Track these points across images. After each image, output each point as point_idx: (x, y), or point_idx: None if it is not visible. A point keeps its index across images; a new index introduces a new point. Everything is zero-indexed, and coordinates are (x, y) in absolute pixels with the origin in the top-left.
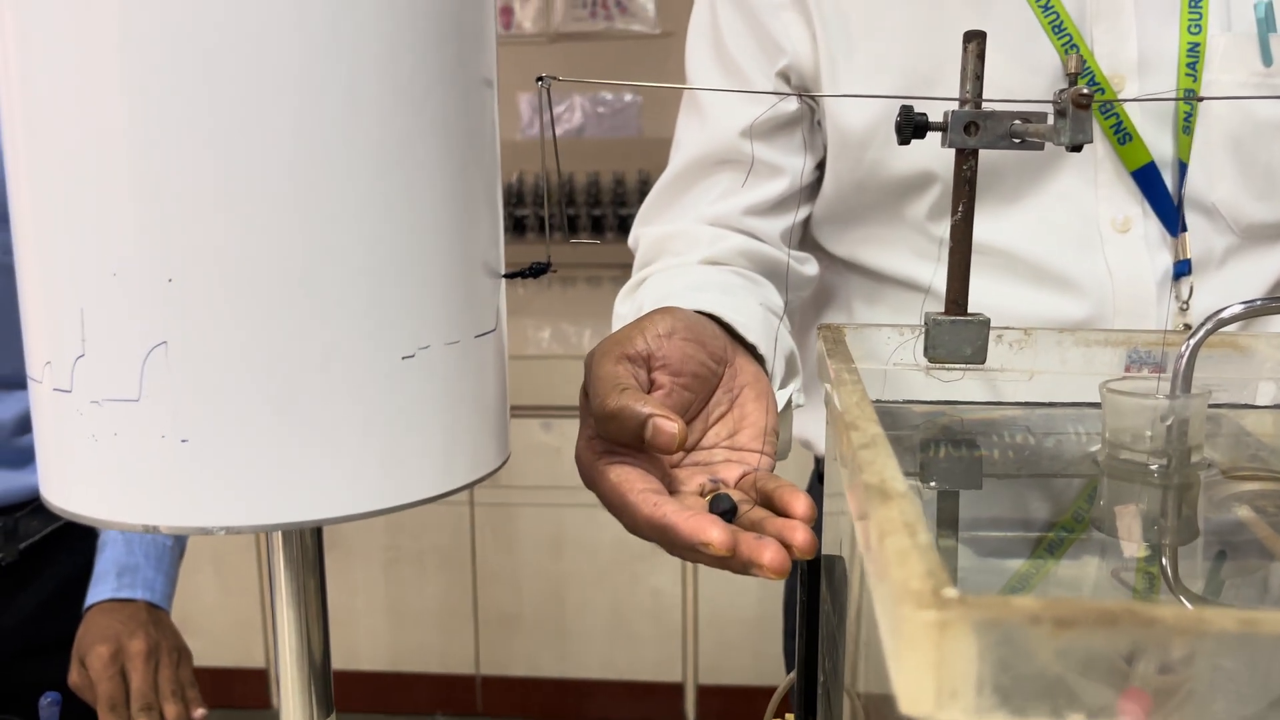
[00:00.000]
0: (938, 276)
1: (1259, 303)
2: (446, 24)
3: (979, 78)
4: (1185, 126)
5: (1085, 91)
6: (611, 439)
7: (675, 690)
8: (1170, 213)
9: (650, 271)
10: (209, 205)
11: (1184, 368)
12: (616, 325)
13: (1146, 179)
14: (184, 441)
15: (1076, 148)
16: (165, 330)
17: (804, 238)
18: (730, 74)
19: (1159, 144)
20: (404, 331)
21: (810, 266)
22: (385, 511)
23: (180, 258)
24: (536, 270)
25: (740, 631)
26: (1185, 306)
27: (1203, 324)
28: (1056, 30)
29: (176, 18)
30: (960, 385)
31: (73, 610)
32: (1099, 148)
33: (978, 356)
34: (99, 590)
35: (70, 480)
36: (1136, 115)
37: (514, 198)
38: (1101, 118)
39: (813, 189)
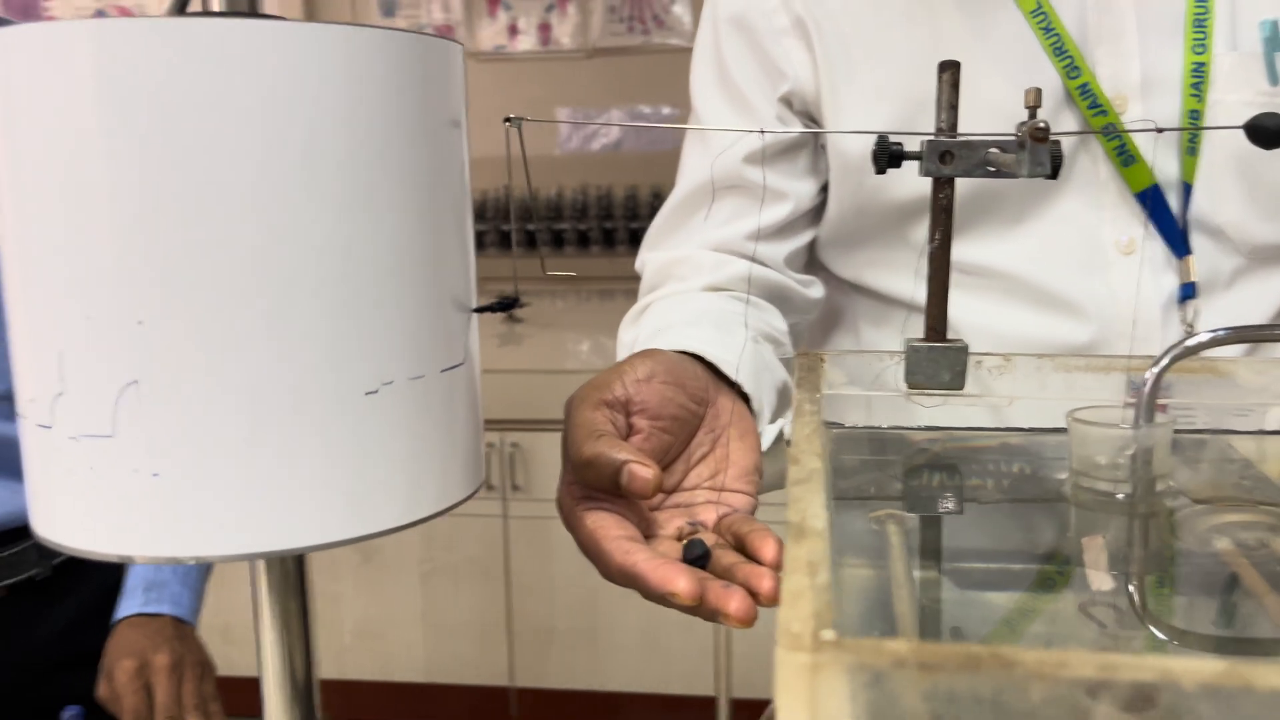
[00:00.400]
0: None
1: (1223, 332)
2: (406, 73)
3: (953, 107)
4: (1190, 147)
5: (1041, 125)
6: (589, 485)
7: (708, 704)
8: (1175, 235)
9: (654, 298)
10: (175, 252)
11: (1147, 397)
12: (620, 352)
13: (1151, 201)
14: (155, 475)
15: (1052, 175)
16: (136, 370)
17: (810, 260)
18: (733, 99)
19: (1164, 165)
20: (367, 368)
21: (815, 289)
22: (350, 541)
23: (148, 301)
24: (506, 304)
25: (773, 646)
26: (1191, 329)
27: (1166, 352)
28: (1058, 52)
29: (150, 88)
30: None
31: (104, 624)
32: (1102, 169)
33: (956, 382)
34: (127, 605)
35: (54, 512)
36: (1140, 136)
37: (552, 211)
38: (1105, 140)
39: (818, 212)
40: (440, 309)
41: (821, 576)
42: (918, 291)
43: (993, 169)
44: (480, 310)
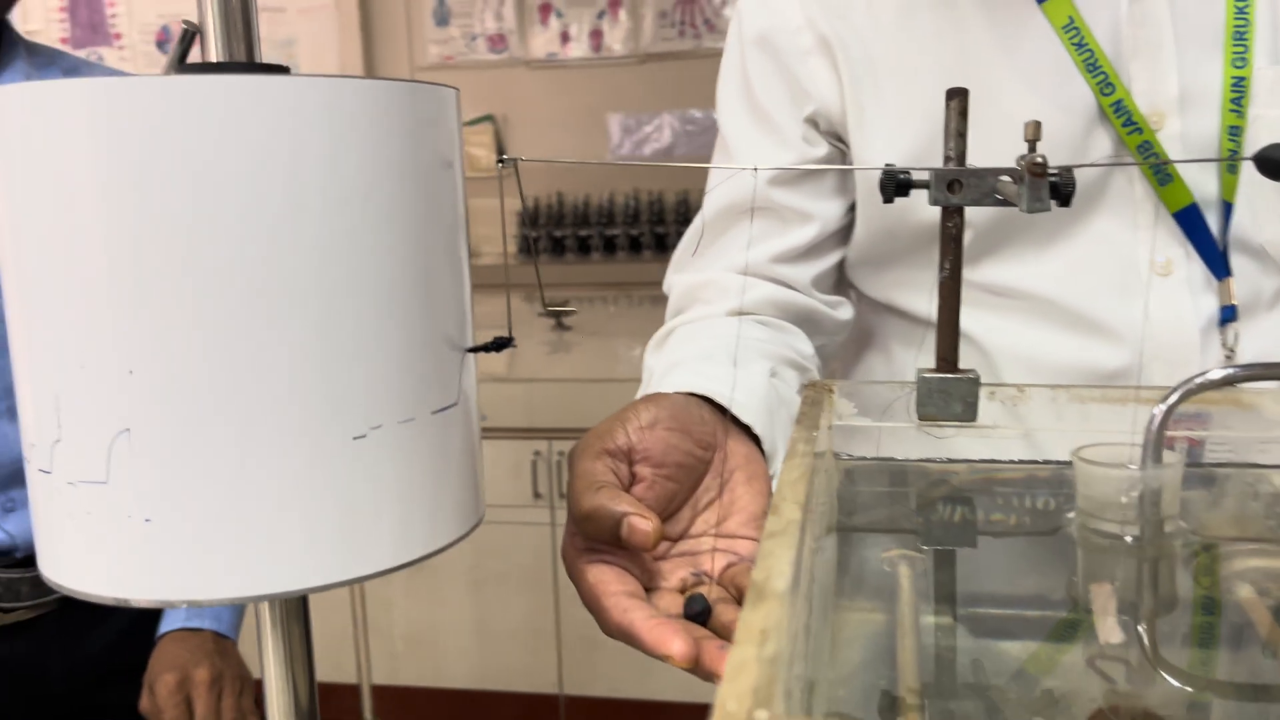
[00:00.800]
0: (974, 323)
1: (1236, 370)
2: (391, 122)
3: (962, 135)
4: (1230, 165)
5: (1039, 160)
6: (589, 538)
7: None
8: (1215, 255)
9: (678, 323)
10: (163, 303)
11: (1155, 435)
12: (645, 377)
13: (1189, 220)
14: (147, 521)
15: (1064, 203)
16: (128, 418)
17: (839, 280)
18: (759, 120)
19: (1202, 184)
20: (354, 413)
21: (844, 310)
22: (338, 585)
23: (139, 351)
24: (498, 345)
25: None
26: (1231, 354)
27: (1176, 388)
28: (1091, 68)
29: (136, 144)
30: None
31: (149, 638)
32: (1137, 188)
33: (968, 414)
34: (170, 620)
35: (56, 554)
36: (1177, 155)
37: (605, 218)
38: (1140, 158)
39: (846, 232)
40: (431, 351)
41: (771, 647)
42: None
43: (1000, 198)
44: (473, 350)
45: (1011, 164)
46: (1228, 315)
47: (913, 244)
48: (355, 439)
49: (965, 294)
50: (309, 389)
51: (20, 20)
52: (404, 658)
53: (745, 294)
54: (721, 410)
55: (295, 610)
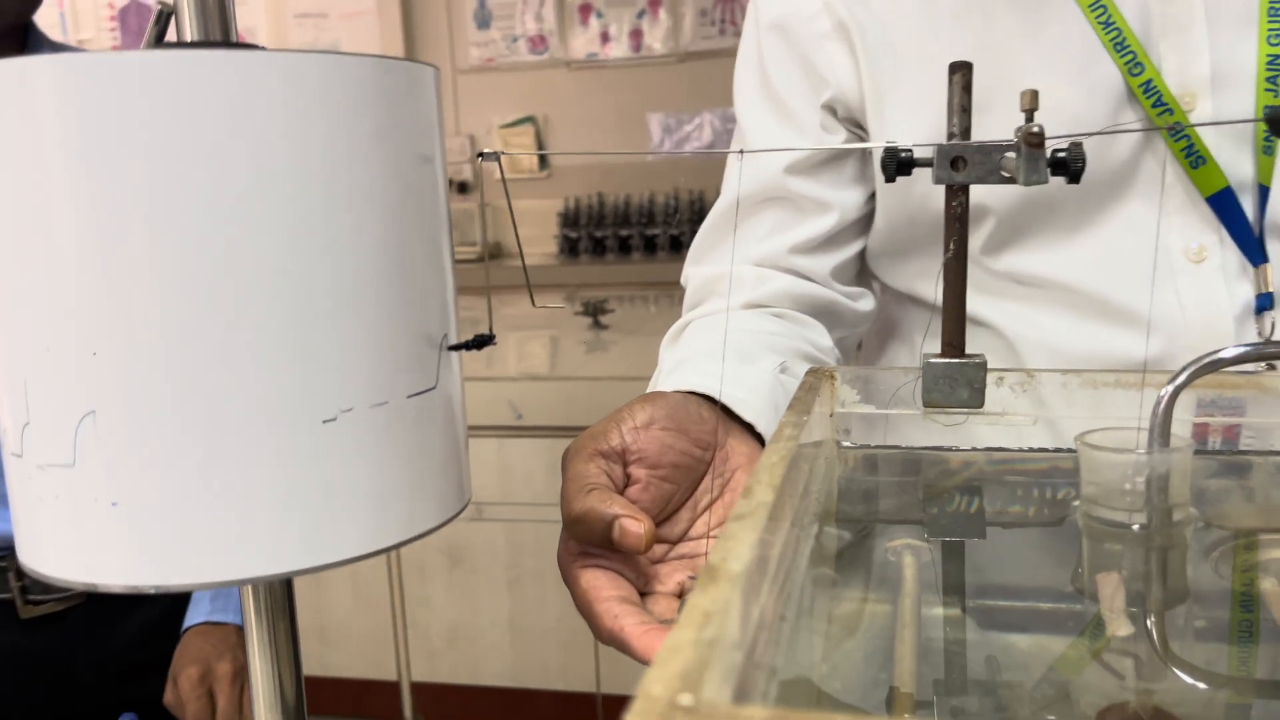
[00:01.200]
0: (998, 313)
1: (1248, 348)
2: (360, 99)
3: (965, 110)
4: (1266, 147)
5: (1035, 130)
6: (581, 542)
7: None
8: (1250, 241)
9: (693, 316)
10: (125, 282)
11: (1162, 418)
12: (659, 371)
13: (1223, 205)
14: (114, 505)
15: (1074, 178)
16: (93, 400)
17: (860, 271)
18: (775, 108)
19: (1236, 166)
20: (324, 396)
21: (865, 302)
22: (313, 570)
23: (101, 332)
24: (480, 342)
25: None
26: (1269, 343)
27: (1183, 369)
28: (1119, 48)
29: (95, 123)
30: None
31: (176, 631)
32: (1169, 172)
33: (975, 400)
34: (194, 613)
35: (32, 539)
36: (1210, 136)
37: (644, 217)
38: (1171, 140)
39: (867, 221)
40: (406, 335)
41: (712, 631)
42: (974, 303)
43: (1007, 175)
44: (455, 348)
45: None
46: (1264, 303)
47: (934, 232)
48: (325, 422)
49: (988, 283)
50: (276, 371)
51: (72, 29)
52: (442, 655)
53: (762, 286)
54: (726, 408)
55: (280, 604)
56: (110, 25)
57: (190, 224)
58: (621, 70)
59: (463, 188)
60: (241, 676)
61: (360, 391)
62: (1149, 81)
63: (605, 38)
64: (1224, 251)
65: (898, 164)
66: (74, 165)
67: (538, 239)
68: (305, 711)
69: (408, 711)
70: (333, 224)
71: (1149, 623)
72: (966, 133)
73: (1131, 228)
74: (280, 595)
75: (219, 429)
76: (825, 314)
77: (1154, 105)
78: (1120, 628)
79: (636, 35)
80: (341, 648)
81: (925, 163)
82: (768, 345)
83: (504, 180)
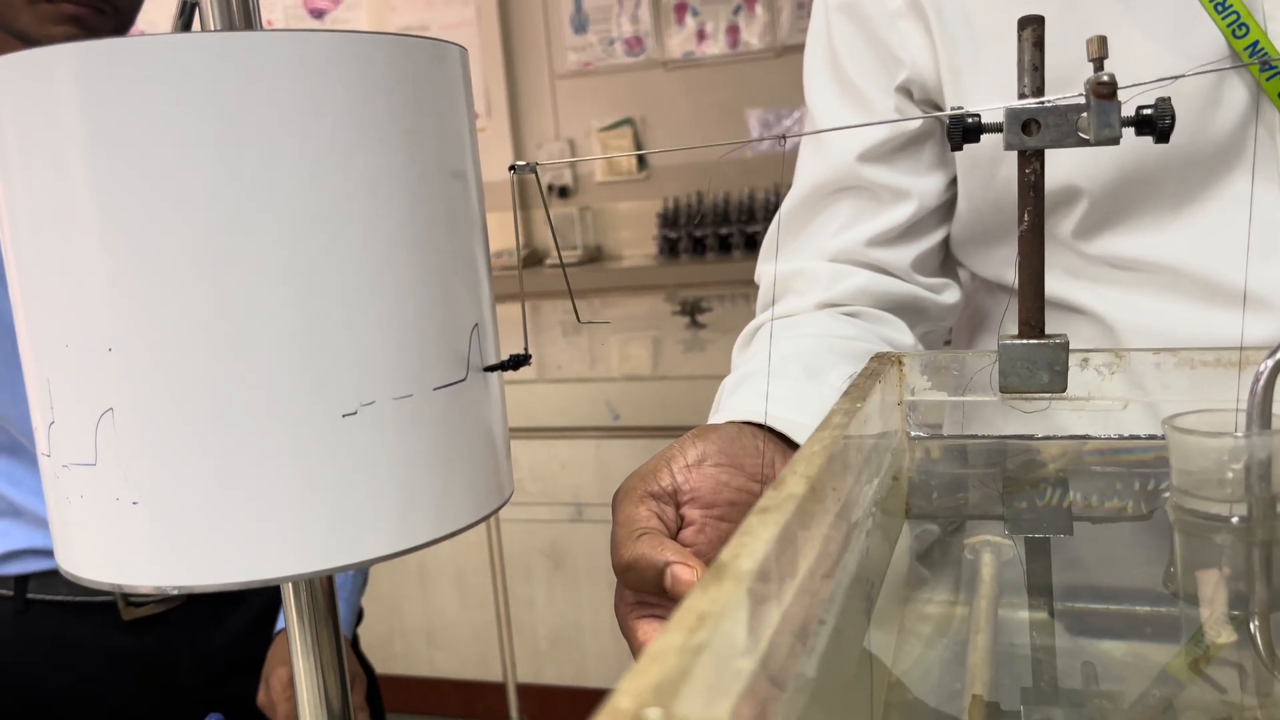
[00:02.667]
0: (1096, 298)
1: None
2: (378, 76)
3: (1037, 68)
4: None
5: (1104, 79)
6: (634, 590)
7: None
8: None
9: (766, 319)
10: (138, 276)
11: (1261, 397)
12: (722, 390)
13: None
14: (135, 503)
15: (1162, 136)
16: (111, 397)
17: (945, 260)
18: (846, 92)
19: None
20: (343, 389)
21: (950, 294)
22: (337, 570)
23: (117, 327)
24: (515, 362)
25: None
26: None
27: None
28: (1220, 8)
29: (103, 112)
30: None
31: (270, 632)
32: None
33: (1057, 384)
34: (284, 618)
35: (62, 541)
36: None
37: (745, 214)
38: None
39: (949, 207)
40: (431, 325)
41: (703, 635)
42: (1070, 289)
43: (1085, 138)
44: (490, 369)
45: None
46: None
47: None
48: (345, 416)
49: (1084, 269)
50: (292, 364)
51: None
52: (547, 657)
53: (837, 285)
54: (784, 437)
55: (321, 605)
56: None
57: (200, 212)
58: (719, 68)
59: (563, 192)
60: None
61: (382, 384)
62: (1255, 44)
63: (702, 35)
64: None
65: (964, 131)
66: (90, 156)
67: (638, 240)
68: (350, 715)
69: (514, 713)
70: (347, 208)
71: (1253, 628)
72: (1040, 92)
73: (1240, 203)
74: (322, 597)
75: (234, 425)
76: (907, 310)
77: (1263, 69)
78: (1221, 634)
79: (733, 31)
80: (448, 649)
81: (995, 128)
82: (841, 351)
83: (542, 191)
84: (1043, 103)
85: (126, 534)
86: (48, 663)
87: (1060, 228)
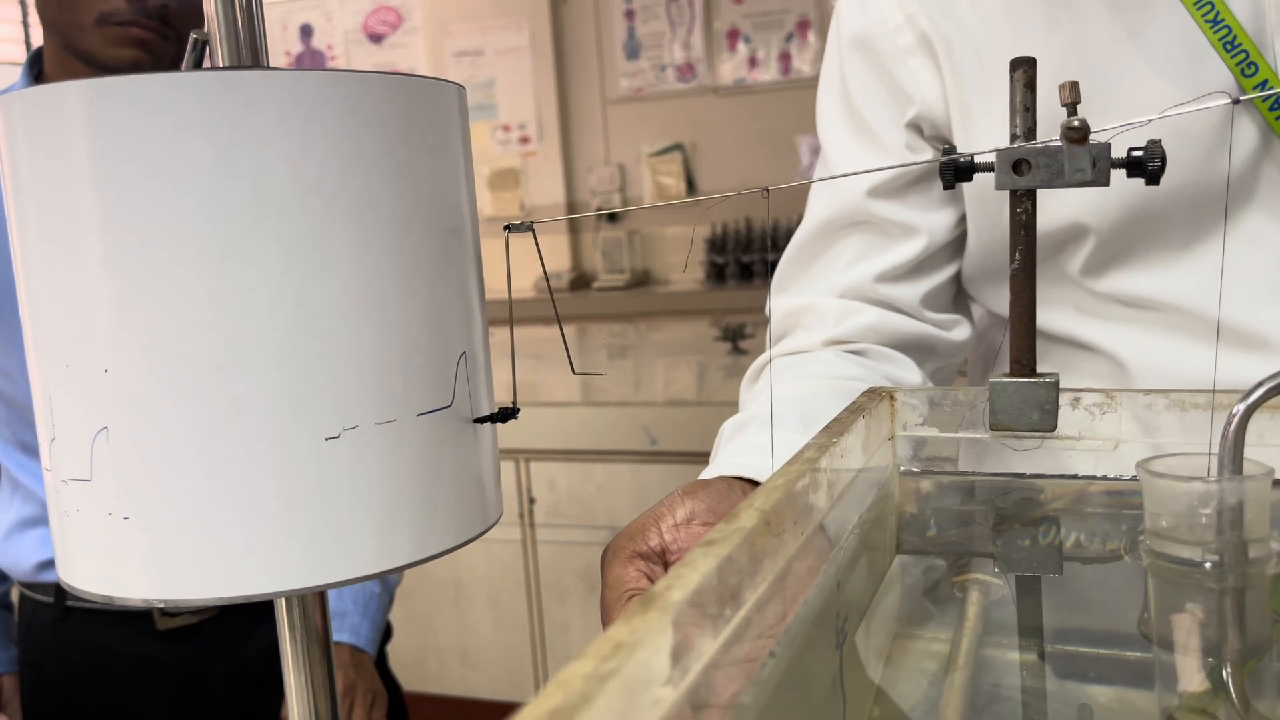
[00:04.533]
0: (1107, 336)
1: None
2: (368, 113)
3: (1029, 109)
4: None
5: (1075, 124)
6: None
7: None
8: None
9: (773, 354)
10: (133, 299)
11: (1233, 440)
12: (720, 436)
13: None
14: (126, 519)
15: (1151, 180)
16: (106, 416)
17: (957, 295)
18: (857, 128)
19: None
20: (326, 413)
21: (960, 331)
22: (318, 588)
23: (113, 349)
24: (504, 415)
25: None
26: None
27: (1259, 385)
28: (1229, 47)
29: (101, 145)
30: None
31: None
32: None
33: (1046, 423)
34: None
35: (63, 553)
36: None
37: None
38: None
39: (960, 243)
40: (416, 353)
41: (613, 664)
42: (1079, 326)
43: (1078, 178)
44: (479, 421)
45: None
46: None
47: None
48: (328, 439)
49: (1093, 306)
50: (277, 389)
51: None
52: None
53: (845, 322)
54: None
55: (315, 632)
56: (287, 61)
57: (192, 241)
58: (770, 94)
59: (612, 217)
60: (351, 694)
61: (365, 409)
62: (1265, 83)
63: (753, 62)
64: None
65: (955, 170)
66: (95, 186)
67: (687, 265)
68: None
69: None
70: (335, 240)
71: (1225, 675)
72: (1031, 133)
73: (1252, 242)
74: (313, 614)
75: (222, 445)
76: (916, 347)
77: (1271, 108)
78: (1193, 681)
79: (785, 59)
80: (482, 669)
81: (986, 167)
82: (843, 393)
83: (538, 246)
84: (1033, 144)
85: (118, 548)
86: (85, 669)
87: (1069, 265)
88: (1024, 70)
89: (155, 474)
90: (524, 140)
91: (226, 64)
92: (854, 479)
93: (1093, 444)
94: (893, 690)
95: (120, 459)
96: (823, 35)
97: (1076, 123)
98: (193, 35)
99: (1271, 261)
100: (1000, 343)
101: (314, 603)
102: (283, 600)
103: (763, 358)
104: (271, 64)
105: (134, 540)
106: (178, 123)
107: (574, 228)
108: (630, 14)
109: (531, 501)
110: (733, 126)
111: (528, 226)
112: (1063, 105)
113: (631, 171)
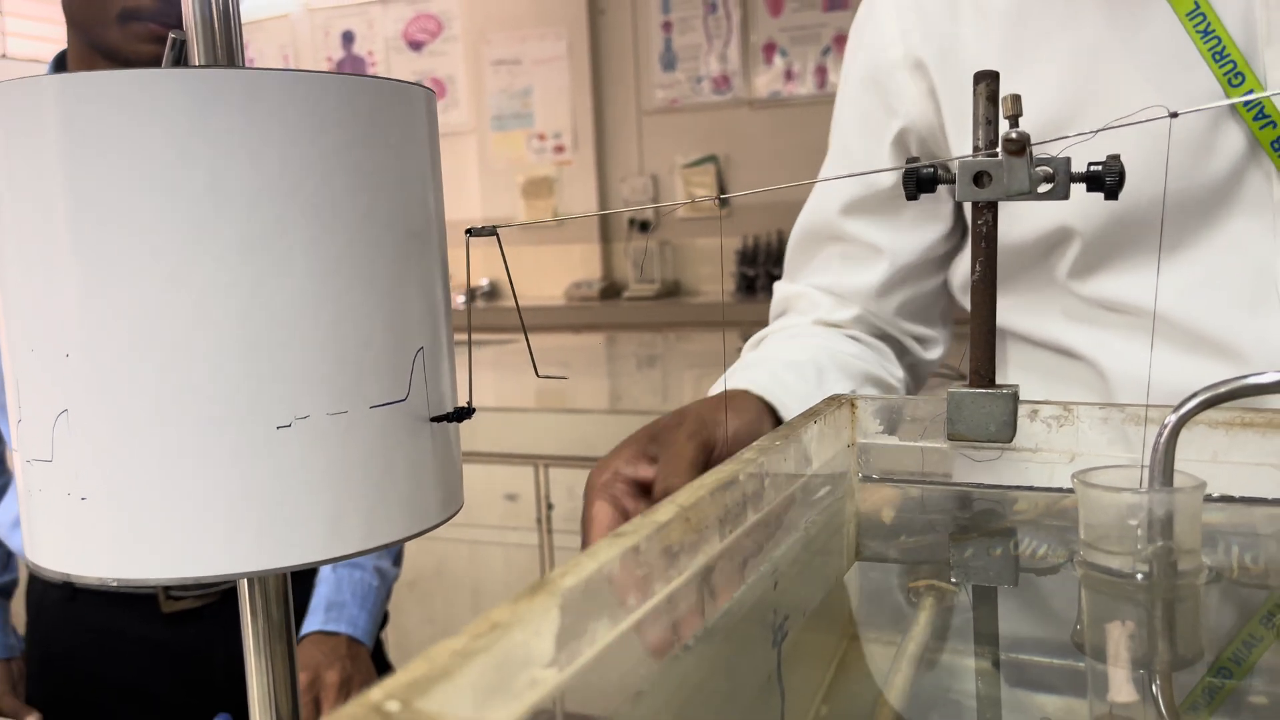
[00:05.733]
0: (1091, 343)
1: (1275, 377)
2: (326, 113)
3: (991, 122)
4: None
5: (1013, 137)
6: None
7: None
8: None
9: (773, 330)
10: (98, 289)
11: (1163, 452)
12: (741, 368)
13: None
14: (83, 499)
15: (1109, 195)
16: (67, 399)
17: (943, 305)
18: (837, 145)
19: None
20: (277, 402)
21: (933, 350)
22: (266, 572)
23: (72, 333)
24: (460, 415)
25: None
26: None
27: (1192, 396)
28: (1218, 57)
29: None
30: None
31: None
32: (1276, 189)
33: (1003, 434)
34: (309, 622)
35: (28, 532)
36: None
37: None
38: (1275, 154)
39: (939, 261)
40: (370, 345)
41: (487, 641)
42: (1066, 332)
43: (1041, 191)
44: (436, 420)
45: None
46: None
47: (1022, 258)
48: (279, 428)
49: (1079, 310)
50: (230, 377)
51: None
52: None
53: (836, 313)
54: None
55: (278, 626)
56: (328, 67)
57: (149, 233)
58: (805, 107)
59: (643, 226)
60: (348, 685)
61: (317, 400)
62: (1250, 93)
63: (789, 75)
64: None
65: (918, 181)
66: (64, 178)
67: (717, 277)
68: (299, 716)
69: None
70: (290, 233)
71: (1154, 688)
72: (993, 145)
73: (1233, 250)
74: (276, 607)
75: (175, 429)
76: (895, 347)
77: (1256, 118)
78: (1121, 691)
79: (821, 72)
80: None
81: (948, 179)
82: (844, 369)
83: (504, 255)
84: (993, 156)
85: (76, 527)
86: (93, 650)
87: (1058, 269)
88: (986, 84)
89: (112, 456)
90: (559, 149)
91: (201, 63)
92: (805, 483)
93: (1049, 456)
94: (843, 690)
95: (79, 441)
96: None
97: (1014, 135)
98: (171, 35)
99: (1251, 269)
100: (1006, 351)
101: (276, 593)
102: (244, 583)
103: (762, 332)
104: (312, 69)
105: (92, 520)
106: (140, 117)
107: (605, 237)
108: (668, 25)
109: (550, 507)
110: (767, 139)
111: (491, 231)
112: (1005, 118)
113: (665, 182)
